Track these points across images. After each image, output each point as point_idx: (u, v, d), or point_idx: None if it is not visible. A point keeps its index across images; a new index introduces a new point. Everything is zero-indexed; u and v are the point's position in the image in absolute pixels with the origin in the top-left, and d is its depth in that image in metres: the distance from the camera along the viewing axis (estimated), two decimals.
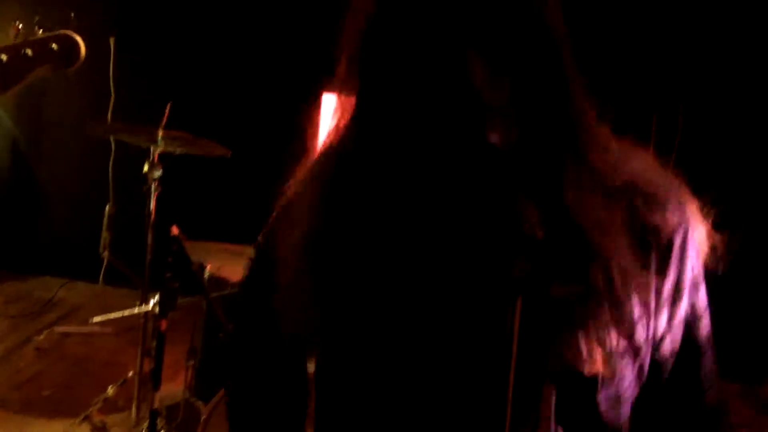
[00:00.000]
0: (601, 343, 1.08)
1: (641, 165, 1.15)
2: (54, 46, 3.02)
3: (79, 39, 3.24)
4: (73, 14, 3.24)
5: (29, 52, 2.40)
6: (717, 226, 1.17)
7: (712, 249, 1.17)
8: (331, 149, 1.15)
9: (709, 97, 4.15)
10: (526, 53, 1.01)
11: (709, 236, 1.17)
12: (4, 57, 2.19)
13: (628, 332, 1.11)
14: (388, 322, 1.11)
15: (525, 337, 0.97)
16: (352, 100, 1.10)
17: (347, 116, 1.12)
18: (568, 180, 1.05)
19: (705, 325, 1.21)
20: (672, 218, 1.14)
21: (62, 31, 3.14)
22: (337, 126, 1.15)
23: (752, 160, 4.15)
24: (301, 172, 1.25)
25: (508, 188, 0.98)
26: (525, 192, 0.99)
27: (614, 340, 1.09)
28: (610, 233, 1.07)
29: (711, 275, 1.19)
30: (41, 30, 3.12)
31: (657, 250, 1.12)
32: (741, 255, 1.20)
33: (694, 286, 1.18)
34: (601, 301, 1.07)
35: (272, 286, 1.22)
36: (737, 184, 4.11)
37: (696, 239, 1.16)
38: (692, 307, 1.19)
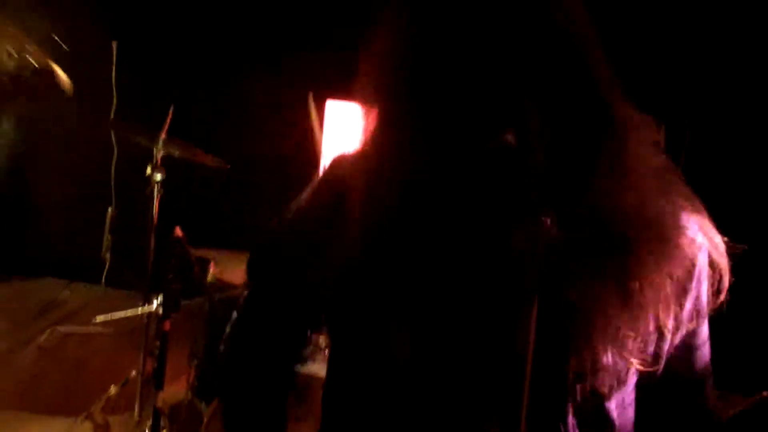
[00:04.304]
0: (616, 352, 1.09)
1: (667, 185, 1.15)
2: (35, 80, 3.02)
3: (61, 74, 3.27)
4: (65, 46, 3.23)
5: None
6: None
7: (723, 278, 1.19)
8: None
9: (714, 109, 4.16)
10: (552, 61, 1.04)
11: (721, 265, 1.19)
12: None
13: (643, 343, 1.11)
14: (409, 323, 1.11)
15: (541, 342, 0.93)
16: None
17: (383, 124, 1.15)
18: (599, 173, 1.04)
19: (707, 350, 1.26)
20: (694, 244, 1.15)
21: (45, 64, 3.16)
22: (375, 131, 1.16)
23: (758, 172, 4.15)
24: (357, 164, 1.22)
25: (521, 189, 0.94)
26: (541, 191, 0.94)
27: (629, 349, 1.10)
28: (638, 238, 1.06)
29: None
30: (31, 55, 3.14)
31: (682, 269, 1.13)
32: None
33: (706, 313, 1.21)
34: (619, 308, 1.06)
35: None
36: (743, 196, 4.12)
37: (711, 269, 1.18)
38: (702, 332, 1.23)
